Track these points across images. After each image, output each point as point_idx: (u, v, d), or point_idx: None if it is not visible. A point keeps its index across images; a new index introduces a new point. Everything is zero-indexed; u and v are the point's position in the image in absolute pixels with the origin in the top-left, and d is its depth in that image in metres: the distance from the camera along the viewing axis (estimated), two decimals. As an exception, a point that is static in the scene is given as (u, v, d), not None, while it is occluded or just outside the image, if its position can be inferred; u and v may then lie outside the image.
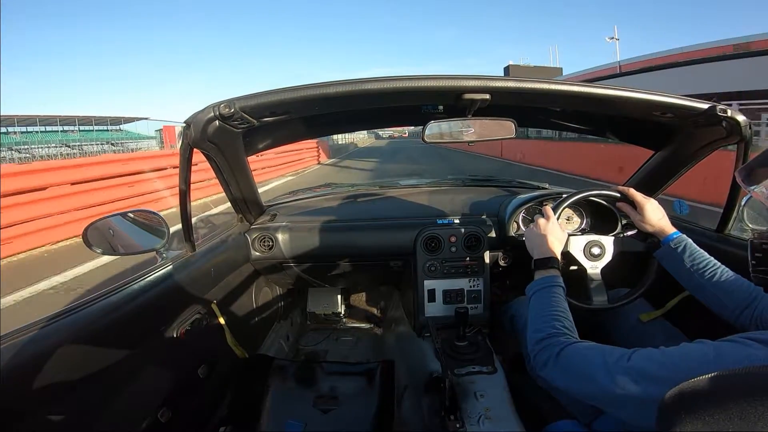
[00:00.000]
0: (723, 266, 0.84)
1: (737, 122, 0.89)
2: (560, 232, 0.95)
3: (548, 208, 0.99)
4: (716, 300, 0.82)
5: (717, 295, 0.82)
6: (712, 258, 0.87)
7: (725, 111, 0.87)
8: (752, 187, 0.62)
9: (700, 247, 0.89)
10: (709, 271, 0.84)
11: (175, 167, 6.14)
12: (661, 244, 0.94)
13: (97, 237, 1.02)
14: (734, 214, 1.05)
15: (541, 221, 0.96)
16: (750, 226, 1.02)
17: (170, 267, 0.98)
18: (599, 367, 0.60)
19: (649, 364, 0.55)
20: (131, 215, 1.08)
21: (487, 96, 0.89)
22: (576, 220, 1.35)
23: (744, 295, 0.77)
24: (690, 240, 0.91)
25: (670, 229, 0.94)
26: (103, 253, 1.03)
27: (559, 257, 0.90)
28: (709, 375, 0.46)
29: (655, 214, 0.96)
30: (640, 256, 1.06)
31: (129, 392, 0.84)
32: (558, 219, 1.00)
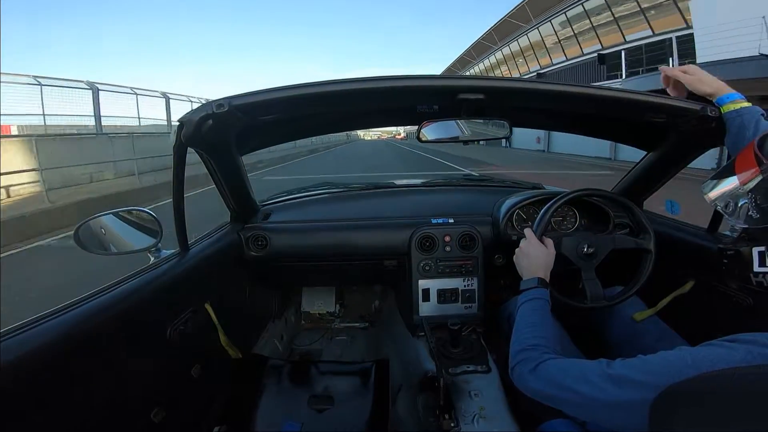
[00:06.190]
0: None
1: None
2: (543, 251, 0.96)
3: (528, 230, 1.02)
4: None
5: None
6: None
7: (716, 112, 0.88)
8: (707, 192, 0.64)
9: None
10: None
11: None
12: (720, 104, 0.85)
13: (88, 236, 1.01)
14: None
15: (523, 244, 0.99)
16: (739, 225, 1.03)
17: (163, 266, 0.97)
18: (578, 376, 0.61)
19: (629, 370, 0.56)
20: (124, 214, 1.07)
21: (482, 96, 0.89)
22: (570, 220, 1.36)
23: None
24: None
25: (727, 89, 0.85)
26: (96, 253, 1.02)
27: (545, 276, 0.92)
28: (700, 376, 0.47)
29: (703, 75, 0.87)
30: (633, 253, 1.06)
31: (121, 392, 0.83)
32: (548, 224, 1.05)
